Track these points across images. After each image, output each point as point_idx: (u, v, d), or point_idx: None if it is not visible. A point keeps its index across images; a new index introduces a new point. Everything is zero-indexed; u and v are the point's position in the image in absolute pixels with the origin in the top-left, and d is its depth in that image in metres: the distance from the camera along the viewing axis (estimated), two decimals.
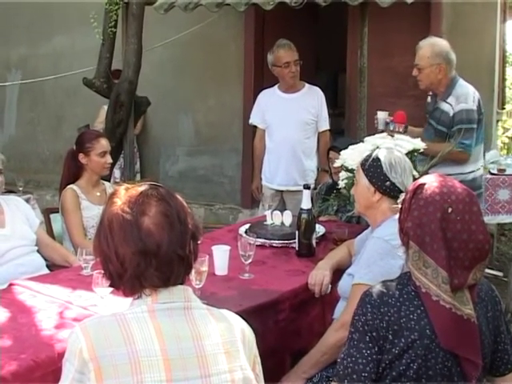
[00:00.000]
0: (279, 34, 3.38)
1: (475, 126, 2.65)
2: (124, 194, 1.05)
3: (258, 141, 3.43)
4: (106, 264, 1.04)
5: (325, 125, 3.38)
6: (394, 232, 1.43)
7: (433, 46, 2.64)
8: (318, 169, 3.41)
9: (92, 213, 2.50)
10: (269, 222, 2.48)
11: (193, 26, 4.13)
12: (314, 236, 2.22)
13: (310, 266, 2.02)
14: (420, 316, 1.15)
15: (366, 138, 2.28)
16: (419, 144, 2.28)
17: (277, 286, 1.85)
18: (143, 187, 1.06)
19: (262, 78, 4.41)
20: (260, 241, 2.19)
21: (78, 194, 2.50)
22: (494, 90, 3.95)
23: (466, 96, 2.67)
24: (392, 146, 2.06)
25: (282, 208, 2.87)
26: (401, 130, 2.61)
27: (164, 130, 4.93)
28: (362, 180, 1.82)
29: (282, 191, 3.38)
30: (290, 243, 2.29)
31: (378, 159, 1.79)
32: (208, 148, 4.81)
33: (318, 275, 1.91)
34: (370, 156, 1.81)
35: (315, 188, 3.18)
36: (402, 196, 1.29)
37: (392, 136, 2.30)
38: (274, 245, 2.27)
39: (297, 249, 2.23)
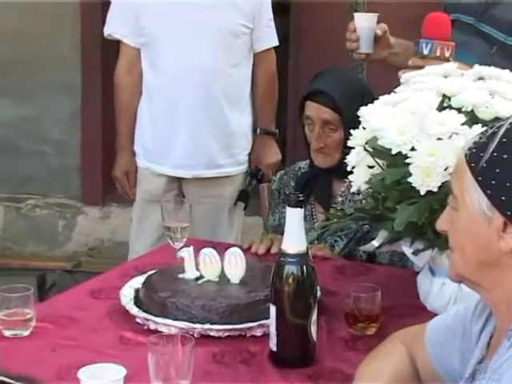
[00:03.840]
0: None
1: None
2: None
3: (122, 73, 3.22)
4: None
5: (270, 37, 3.21)
6: None
7: None
8: (254, 131, 3.25)
9: None
10: (190, 273, 2.11)
11: None
12: (315, 317, 1.84)
13: None
14: None
15: (407, 75, 2.10)
16: None
17: None
18: None
19: None
20: (178, 325, 1.92)
21: None
22: None
23: None
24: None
25: (184, 216, 2.45)
26: (447, 54, 2.34)
27: None
28: (472, 199, 1.40)
29: (181, 180, 3.20)
30: (250, 328, 1.96)
31: None
32: (8, 84, 4.56)
33: None
34: (489, 138, 1.39)
35: (259, 178, 3.17)
36: None
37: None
38: (213, 334, 1.95)
39: (273, 347, 1.85)
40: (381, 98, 2.00)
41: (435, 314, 1.88)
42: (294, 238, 1.80)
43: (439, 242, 1.88)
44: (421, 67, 2.19)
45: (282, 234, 2.48)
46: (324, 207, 2.52)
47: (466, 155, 1.40)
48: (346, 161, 2.03)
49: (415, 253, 2.00)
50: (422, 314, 1.97)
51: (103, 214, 4.62)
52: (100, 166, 4.53)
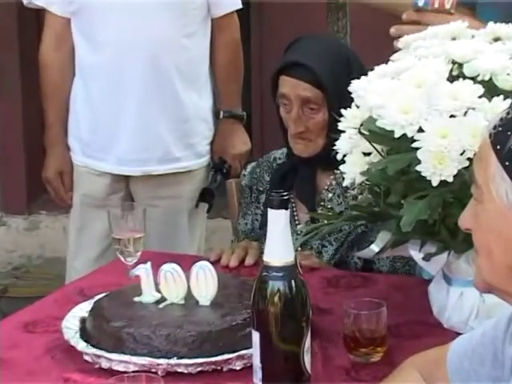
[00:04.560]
0: None
1: None
2: None
3: (49, 49, 3.25)
4: None
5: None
6: None
7: None
8: (216, 114, 3.30)
9: None
10: (148, 296, 2.12)
11: None
12: (308, 343, 1.83)
13: None
14: None
15: (405, 39, 2.14)
16: None
17: None
18: None
19: None
20: (138, 362, 1.92)
21: None
22: None
23: None
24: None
25: (137, 224, 2.46)
26: (447, 6, 2.35)
27: None
28: (498, 189, 1.43)
29: (128, 178, 3.23)
30: (227, 361, 1.97)
31: None
32: None
33: None
34: None
35: (225, 172, 3.24)
36: None
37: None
38: (182, 370, 1.94)
39: (257, 383, 1.84)
40: (376, 68, 2.00)
41: (453, 332, 1.93)
42: (279, 246, 1.78)
43: (455, 243, 1.90)
44: (417, 23, 2.20)
45: (257, 240, 2.54)
46: (308, 206, 2.53)
47: (490, 135, 1.40)
48: (333, 148, 2.03)
49: (426, 258, 2.00)
50: (438, 332, 1.98)
51: (30, 225, 4.64)
52: (23, 165, 4.55)
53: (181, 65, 3.08)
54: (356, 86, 1.97)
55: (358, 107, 1.94)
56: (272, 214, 1.76)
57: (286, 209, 1.77)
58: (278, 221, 1.77)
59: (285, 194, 1.77)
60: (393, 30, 2.22)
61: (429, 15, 2.25)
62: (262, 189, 2.66)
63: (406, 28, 2.22)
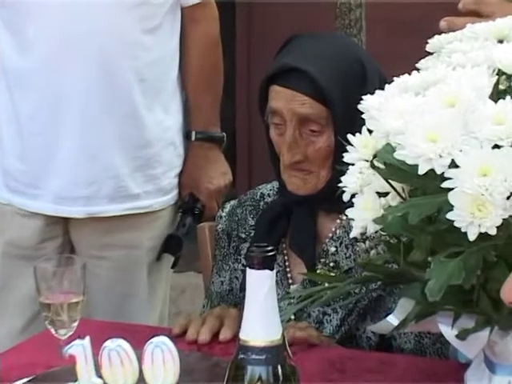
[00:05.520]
0: None
1: None
2: None
3: None
4: None
5: None
6: None
7: None
8: (187, 136, 3.37)
9: None
10: (85, 382, 2.14)
11: None
12: None
13: None
14: None
15: (436, 40, 2.17)
16: None
17: None
18: None
19: None
20: None
21: None
22: None
23: None
24: None
25: (73, 285, 2.49)
26: None
27: None
28: None
29: (67, 221, 3.28)
30: None
31: None
32: None
33: None
34: None
35: (197, 214, 3.34)
36: None
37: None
38: None
39: None
40: (396, 79, 2.01)
41: None
42: (261, 320, 1.79)
43: (500, 316, 1.91)
44: (475, 13, 2.25)
45: (236, 305, 2.59)
46: (305, 260, 2.55)
47: None
48: (339, 184, 2.02)
49: (461, 336, 2.00)
50: None
51: None
52: None
53: (140, 70, 3.12)
54: (368, 104, 1.97)
55: (370, 132, 1.95)
56: (252, 275, 1.77)
57: (271, 269, 1.76)
58: (259, 285, 1.77)
59: (269, 249, 1.77)
60: (443, 24, 2.27)
61: (490, 3, 2.29)
62: (244, 236, 2.69)
63: (461, 21, 2.25)
